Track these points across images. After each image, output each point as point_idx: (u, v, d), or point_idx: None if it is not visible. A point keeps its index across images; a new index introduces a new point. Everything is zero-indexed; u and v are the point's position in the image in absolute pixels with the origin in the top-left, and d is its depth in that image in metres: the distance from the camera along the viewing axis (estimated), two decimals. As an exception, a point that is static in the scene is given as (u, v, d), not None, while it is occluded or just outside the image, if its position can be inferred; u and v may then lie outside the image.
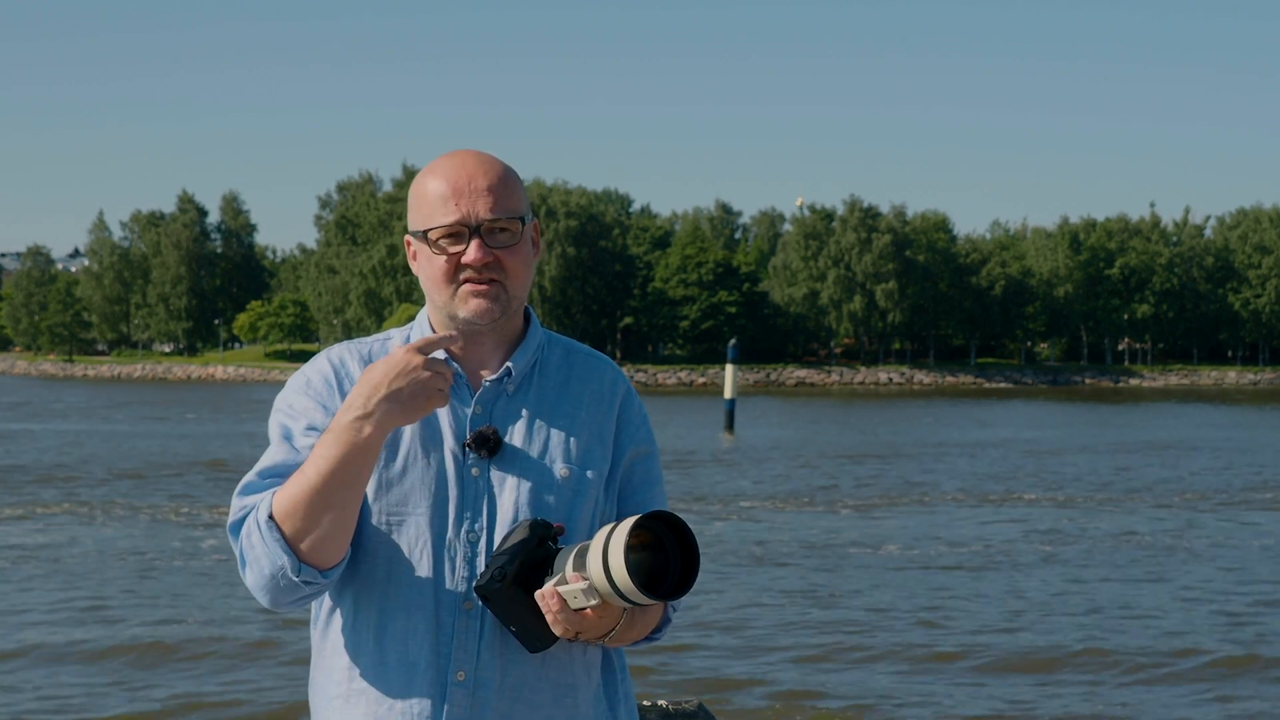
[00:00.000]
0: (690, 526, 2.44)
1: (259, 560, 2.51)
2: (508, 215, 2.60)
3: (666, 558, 2.43)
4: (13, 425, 48.34)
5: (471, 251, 2.58)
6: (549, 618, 2.47)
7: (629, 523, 2.41)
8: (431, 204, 2.60)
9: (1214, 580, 17.19)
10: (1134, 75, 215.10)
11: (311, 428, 2.60)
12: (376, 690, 2.57)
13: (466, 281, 2.59)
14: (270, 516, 2.49)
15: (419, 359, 2.46)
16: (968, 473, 31.89)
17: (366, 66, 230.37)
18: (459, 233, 2.59)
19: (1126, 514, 24.18)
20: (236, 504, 2.57)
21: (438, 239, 2.60)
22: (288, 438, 2.62)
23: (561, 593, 2.45)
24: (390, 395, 2.45)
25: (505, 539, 2.52)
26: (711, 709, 5.57)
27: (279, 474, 2.57)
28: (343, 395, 2.63)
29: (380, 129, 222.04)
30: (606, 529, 2.44)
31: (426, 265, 2.62)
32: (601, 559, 2.40)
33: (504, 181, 2.62)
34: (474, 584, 2.53)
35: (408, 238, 2.68)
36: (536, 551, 2.49)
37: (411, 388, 2.45)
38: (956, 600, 15.68)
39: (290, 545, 2.49)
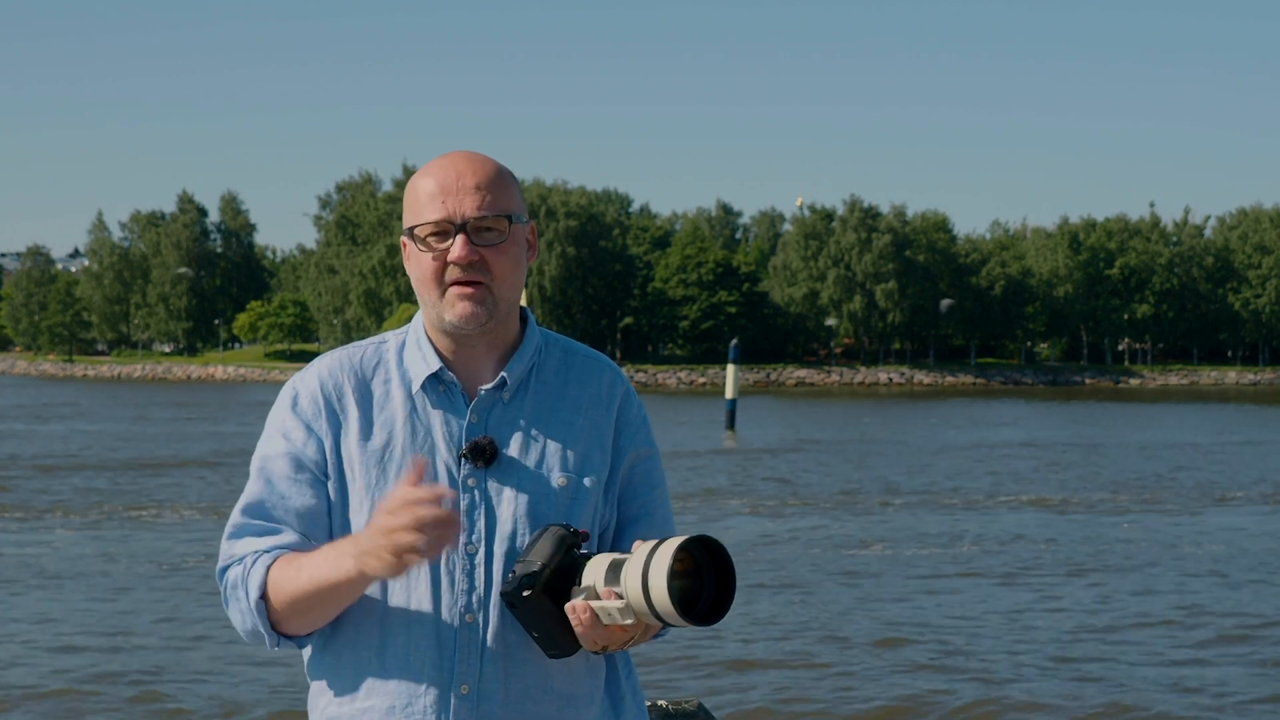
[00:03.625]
0: (729, 551, 2.43)
1: (242, 617, 2.57)
2: (494, 213, 2.58)
3: (701, 581, 2.43)
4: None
5: (456, 248, 2.56)
6: (578, 630, 2.45)
7: (673, 546, 2.38)
8: (420, 202, 2.60)
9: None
10: (1134, 75, 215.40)
11: (290, 455, 2.61)
12: (380, 707, 2.57)
13: (454, 284, 2.58)
14: (261, 598, 2.53)
15: (395, 524, 2.35)
16: (968, 473, 31.88)
17: (366, 66, 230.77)
18: (445, 230, 2.57)
19: (1131, 515, 24.18)
20: (226, 549, 2.61)
21: (425, 236, 2.59)
22: (264, 470, 2.63)
23: (595, 608, 2.44)
24: (369, 553, 2.39)
25: (531, 545, 2.49)
26: (711, 709, 5.57)
27: (260, 514, 2.59)
28: (330, 415, 2.62)
29: (380, 129, 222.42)
30: (647, 547, 2.41)
31: (415, 265, 2.61)
32: (641, 579, 2.38)
33: (493, 180, 2.60)
34: (501, 590, 2.51)
35: (403, 239, 2.67)
36: (565, 559, 2.48)
37: (383, 551, 2.37)
38: (958, 601, 15.68)
39: (272, 622, 2.55)
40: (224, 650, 12.86)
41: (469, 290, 2.57)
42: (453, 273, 2.57)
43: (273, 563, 2.54)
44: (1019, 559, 18.85)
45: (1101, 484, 29.56)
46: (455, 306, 2.58)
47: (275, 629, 2.55)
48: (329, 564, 2.47)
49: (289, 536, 2.57)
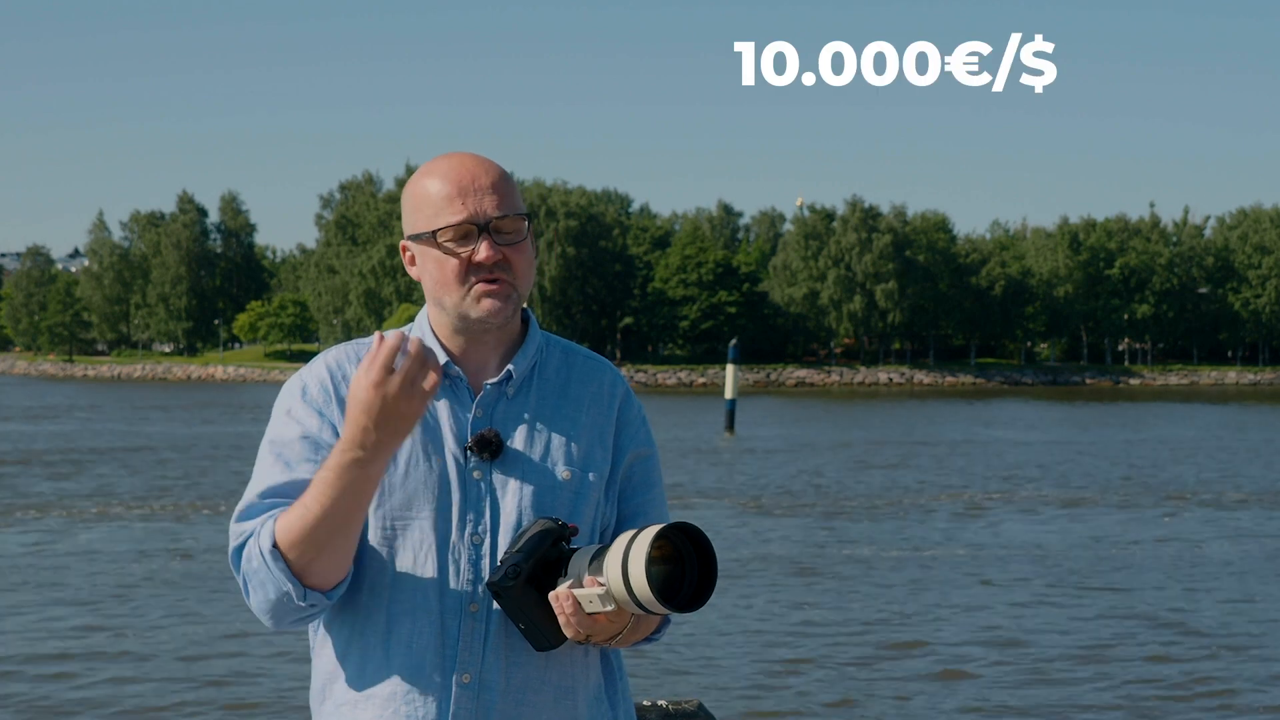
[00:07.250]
0: (710, 539, 2.45)
1: (263, 585, 2.52)
2: (514, 213, 2.61)
3: (683, 568, 2.44)
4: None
5: (483, 250, 2.58)
6: (561, 619, 2.48)
7: (651, 533, 2.41)
8: (435, 204, 2.60)
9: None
10: (1134, 75, 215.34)
11: (306, 438, 2.60)
12: (382, 694, 2.58)
13: (479, 282, 2.59)
14: (274, 546, 2.49)
15: (382, 382, 2.38)
16: (968, 473, 31.90)
17: (366, 66, 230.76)
18: (468, 232, 2.59)
19: (1133, 513, 24.19)
20: (235, 529, 2.57)
21: (447, 239, 2.59)
22: (281, 455, 2.61)
23: (577, 595, 2.46)
24: (378, 424, 2.40)
25: (519, 536, 2.52)
26: (711, 709, 5.57)
27: (276, 494, 2.57)
28: (340, 402, 2.62)
29: (381, 129, 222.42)
30: (627, 536, 2.44)
31: (435, 268, 2.61)
32: (621, 566, 2.41)
33: (505, 180, 2.63)
34: (487, 580, 2.54)
35: (404, 243, 2.66)
36: (551, 551, 2.50)
37: (390, 413, 2.39)
38: (960, 602, 15.69)
39: (294, 573, 2.50)
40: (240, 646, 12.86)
41: (495, 287, 2.59)
42: (479, 273, 2.59)
43: (276, 515, 2.52)
44: (1021, 559, 18.86)
45: (1103, 481, 29.58)
46: (481, 303, 2.59)
47: (300, 581, 2.50)
48: (333, 481, 2.44)
49: None
